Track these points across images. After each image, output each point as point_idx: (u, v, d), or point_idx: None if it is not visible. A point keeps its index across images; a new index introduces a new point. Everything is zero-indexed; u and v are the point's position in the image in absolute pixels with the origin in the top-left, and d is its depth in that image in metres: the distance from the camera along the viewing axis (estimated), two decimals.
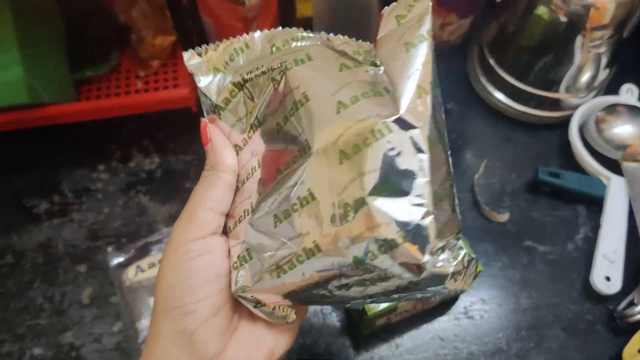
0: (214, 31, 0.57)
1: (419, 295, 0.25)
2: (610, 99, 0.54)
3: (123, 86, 0.54)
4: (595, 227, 0.49)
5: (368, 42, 0.28)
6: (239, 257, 0.26)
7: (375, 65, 0.26)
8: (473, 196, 0.51)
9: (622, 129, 0.52)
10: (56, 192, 0.51)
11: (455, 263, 0.23)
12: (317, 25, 0.56)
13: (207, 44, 0.29)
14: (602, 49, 0.50)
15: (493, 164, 0.53)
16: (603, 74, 0.53)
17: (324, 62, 0.27)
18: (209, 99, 0.28)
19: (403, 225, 0.22)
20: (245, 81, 0.28)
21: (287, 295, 0.25)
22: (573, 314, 0.46)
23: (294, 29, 0.29)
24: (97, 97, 0.53)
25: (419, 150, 0.23)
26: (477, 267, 0.25)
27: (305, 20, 0.61)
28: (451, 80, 0.59)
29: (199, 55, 0.29)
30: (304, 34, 0.29)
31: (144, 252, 0.48)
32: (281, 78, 0.26)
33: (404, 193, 0.23)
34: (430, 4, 0.27)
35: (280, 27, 0.29)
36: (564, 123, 0.54)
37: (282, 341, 0.27)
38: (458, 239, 0.24)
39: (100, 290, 0.47)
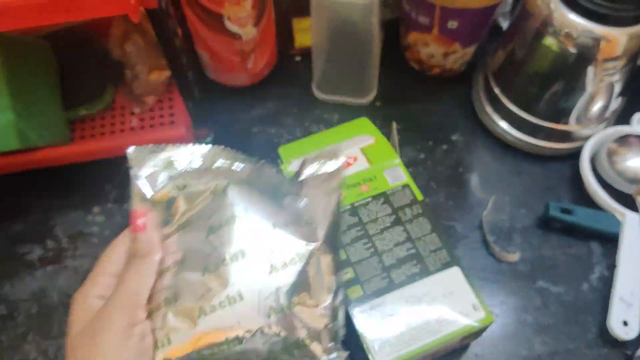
0: (210, 65, 0.56)
1: None
2: (622, 130, 0.52)
3: (118, 124, 0.52)
4: (611, 266, 0.47)
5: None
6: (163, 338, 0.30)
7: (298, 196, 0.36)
8: (482, 234, 0.49)
9: (635, 162, 0.50)
10: (50, 237, 0.50)
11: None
12: (316, 55, 0.54)
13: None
14: (615, 78, 0.48)
15: (502, 198, 0.51)
16: (615, 104, 0.51)
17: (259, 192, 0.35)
18: (143, 194, 0.33)
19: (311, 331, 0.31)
20: (184, 187, 0.33)
21: None
22: None
23: (234, 151, 0.36)
24: (92, 135, 0.51)
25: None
26: None
27: (303, 49, 0.59)
28: (456, 110, 0.57)
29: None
30: (243, 156, 0.36)
31: None
32: (223, 193, 0.33)
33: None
34: (343, 161, 0.37)
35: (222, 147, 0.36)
36: (575, 154, 0.52)
37: None
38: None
39: None
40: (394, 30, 0.60)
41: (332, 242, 0.34)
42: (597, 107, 0.50)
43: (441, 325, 0.39)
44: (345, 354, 0.32)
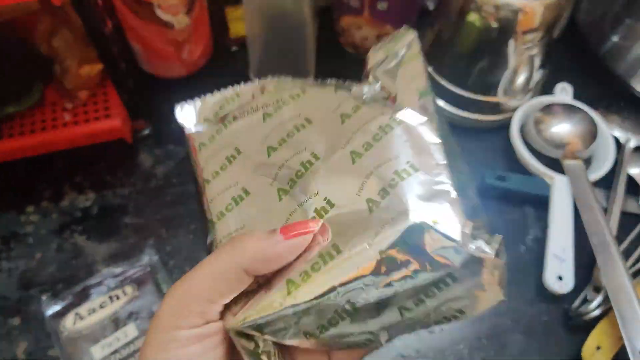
0: (144, 57, 0.55)
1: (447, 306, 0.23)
2: (547, 99, 0.55)
3: (49, 120, 0.50)
4: (544, 227, 0.49)
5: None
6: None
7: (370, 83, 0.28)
8: None
9: (560, 128, 0.53)
10: None
11: (491, 251, 0.21)
12: (251, 44, 0.54)
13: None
14: (535, 51, 0.51)
15: None
16: (537, 75, 0.54)
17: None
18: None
19: (430, 209, 0.22)
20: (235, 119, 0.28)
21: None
22: (530, 317, 0.46)
23: (281, 77, 0.30)
24: (21, 133, 0.49)
25: (432, 137, 0.25)
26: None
27: (239, 39, 0.59)
28: None
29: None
30: (289, 78, 0.30)
31: (82, 297, 0.44)
32: (275, 111, 0.28)
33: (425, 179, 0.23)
34: (415, 34, 0.30)
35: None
36: (505, 126, 0.55)
37: None
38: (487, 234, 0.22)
39: (37, 343, 0.43)
40: (328, 17, 0.61)
41: (429, 106, 0.26)
42: (521, 79, 0.53)
43: None
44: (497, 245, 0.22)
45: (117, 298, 0.44)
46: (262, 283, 0.23)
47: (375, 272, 0.21)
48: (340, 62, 0.61)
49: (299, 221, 0.23)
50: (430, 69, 0.55)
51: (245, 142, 0.27)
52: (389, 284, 0.21)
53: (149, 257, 0.47)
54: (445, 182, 0.23)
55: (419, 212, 0.22)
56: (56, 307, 0.44)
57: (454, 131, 0.55)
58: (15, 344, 0.43)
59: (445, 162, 0.24)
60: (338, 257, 0.22)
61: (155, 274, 0.46)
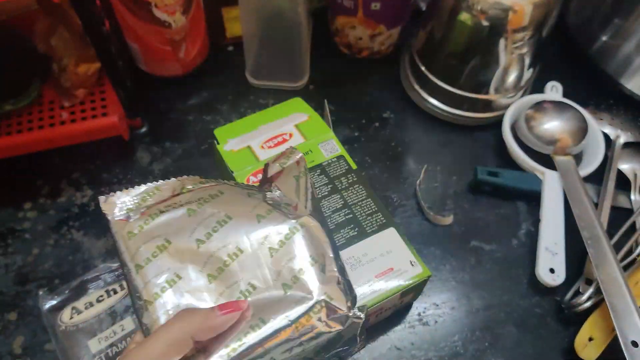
0: (142, 57, 0.56)
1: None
2: (537, 97, 0.56)
3: (47, 118, 0.51)
4: (536, 222, 0.50)
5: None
6: None
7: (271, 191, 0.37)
8: (416, 202, 0.51)
9: (550, 125, 0.54)
10: None
11: (363, 316, 0.32)
12: (247, 44, 0.55)
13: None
14: (525, 50, 0.52)
15: (433, 168, 0.54)
16: (528, 74, 0.55)
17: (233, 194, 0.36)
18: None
19: (326, 290, 0.32)
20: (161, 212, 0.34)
21: None
22: (523, 310, 0.46)
23: (197, 177, 0.37)
24: (19, 131, 0.50)
25: (323, 237, 0.34)
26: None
27: (235, 39, 0.60)
28: (386, 90, 0.60)
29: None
30: (205, 179, 0.37)
31: (80, 291, 0.44)
32: (198, 207, 0.33)
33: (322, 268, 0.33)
34: (301, 154, 0.39)
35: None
36: (498, 123, 0.56)
37: None
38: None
39: (34, 338, 0.43)
40: (323, 18, 0.62)
41: (318, 215, 0.35)
42: (512, 77, 0.54)
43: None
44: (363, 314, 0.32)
45: (114, 292, 0.44)
46: (199, 349, 0.29)
47: (292, 335, 0.30)
48: (335, 62, 0.62)
49: (232, 301, 0.30)
50: (423, 68, 0.56)
51: (174, 234, 0.32)
52: (300, 344, 0.30)
53: None
54: (334, 270, 0.33)
55: (319, 292, 0.31)
56: (53, 302, 0.44)
57: (448, 129, 0.57)
58: (11, 338, 0.43)
59: (332, 255, 0.33)
60: (264, 326, 0.30)
61: None
